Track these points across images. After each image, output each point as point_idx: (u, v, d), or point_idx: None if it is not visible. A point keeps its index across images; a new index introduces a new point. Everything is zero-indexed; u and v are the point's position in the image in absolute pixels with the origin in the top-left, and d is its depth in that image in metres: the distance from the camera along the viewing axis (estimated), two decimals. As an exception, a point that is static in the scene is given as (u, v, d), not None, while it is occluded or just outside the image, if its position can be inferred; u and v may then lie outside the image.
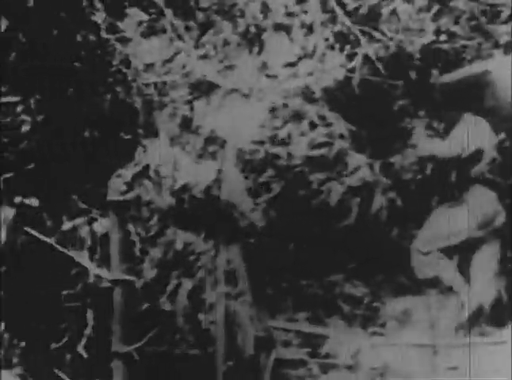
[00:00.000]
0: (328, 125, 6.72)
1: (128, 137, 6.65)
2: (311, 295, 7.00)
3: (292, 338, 6.86)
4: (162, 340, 6.59)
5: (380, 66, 6.74)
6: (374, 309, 6.99)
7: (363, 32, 6.67)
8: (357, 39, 6.68)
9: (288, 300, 6.92)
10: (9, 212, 6.71)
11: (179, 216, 6.56)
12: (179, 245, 6.54)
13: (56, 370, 6.64)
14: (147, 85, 6.71)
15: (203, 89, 6.67)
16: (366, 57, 6.75)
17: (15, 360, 6.65)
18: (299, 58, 6.69)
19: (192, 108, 6.67)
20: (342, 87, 6.76)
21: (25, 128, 6.93)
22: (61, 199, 6.78)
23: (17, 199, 6.74)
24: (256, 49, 6.68)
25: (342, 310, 6.97)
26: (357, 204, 6.77)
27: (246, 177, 6.60)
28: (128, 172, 6.55)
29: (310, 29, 6.70)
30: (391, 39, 6.76)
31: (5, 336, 6.67)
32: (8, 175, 6.82)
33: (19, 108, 7.05)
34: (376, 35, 6.73)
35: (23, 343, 6.68)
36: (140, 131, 6.66)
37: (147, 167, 6.57)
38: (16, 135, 7.00)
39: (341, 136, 6.74)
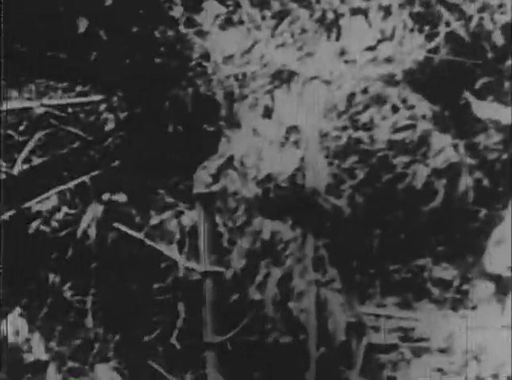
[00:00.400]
0: (410, 107, 6.66)
1: (212, 129, 6.69)
2: (400, 280, 6.96)
3: (382, 323, 6.83)
4: (254, 329, 6.62)
5: (460, 45, 6.65)
6: (464, 291, 6.91)
7: (443, 11, 6.60)
8: (436, 19, 6.61)
9: (376, 285, 6.89)
10: (97, 209, 6.82)
11: (265, 205, 6.59)
12: (266, 235, 6.57)
13: (150, 362, 6.73)
14: (227, 77, 6.74)
15: (283, 77, 6.67)
16: (446, 36, 6.67)
17: (110, 354, 6.75)
18: (379, 42, 6.64)
19: (273, 98, 6.68)
20: (423, 68, 6.70)
21: (109, 126, 7.03)
22: (148, 194, 6.86)
23: (105, 196, 6.84)
24: (334, 35, 6.66)
25: (432, 294, 6.91)
26: (443, 186, 6.70)
27: (329, 164, 6.59)
28: (212, 164, 6.60)
29: (388, 12, 6.65)
30: (470, 17, 6.68)
31: (100, 330, 6.79)
32: (95, 173, 6.93)
33: (102, 107, 7.15)
34: (456, 13, 6.65)
35: (117, 337, 6.78)
36: (223, 122, 6.70)
37: (231, 158, 6.61)
38: (100, 133, 7.10)
39: (424, 117, 6.68)
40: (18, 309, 6.94)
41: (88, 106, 7.39)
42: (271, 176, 6.57)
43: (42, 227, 7.10)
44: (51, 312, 7.00)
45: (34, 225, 7.10)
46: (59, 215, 7.02)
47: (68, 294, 7.01)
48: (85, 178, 6.85)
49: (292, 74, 6.68)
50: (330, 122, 6.64)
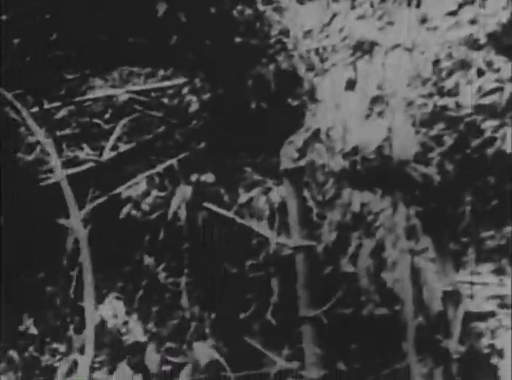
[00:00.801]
0: (496, 70, 6.56)
1: (296, 104, 6.70)
2: (494, 247, 6.87)
3: (478, 291, 6.75)
4: (348, 301, 6.61)
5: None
6: (559, 255, 6.79)
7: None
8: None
9: (469, 253, 6.81)
10: (187, 190, 6.89)
11: (353, 177, 6.56)
12: (356, 206, 6.55)
13: (247, 339, 6.77)
14: (307, 51, 6.73)
15: (364, 48, 6.63)
16: (530, -4, 6.55)
17: (207, 332, 6.82)
18: (460, 6, 6.55)
19: (355, 69, 6.64)
20: (507, 30, 6.58)
21: (193, 108, 7.09)
22: (235, 173, 6.90)
23: (194, 177, 6.91)
24: (414, 2, 6.58)
25: (527, 259, 6.81)
26: (533, 148, 6.59)
27: (416, 132, 6.53)
28: (299, 139, 6.60)
29: (468, -25, 6.57)
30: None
31: (195, 309, 6.86)
32: (182, 155, 7.00)
33: (185, 90, 7.21)
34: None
35: (213, 316, 6.85)
36: (306, 97, 6.69)
37: (317, 131, 6.60)
38: (184, 116, 7.16)
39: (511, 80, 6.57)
40: (115, 293, 7.06)
41: (171, 90, 7.46)
42: (358, 148, 6.54)
43: (133, 212, 7.19)
44: (147, 294, 7.10)
45: (125, 210, 7.21)
46: (149, 199, 7.11)
47: (162, 275, 7.10)
48: (173, 161, 6.92)
49: (373, 45, 6.63)
50: (414, 90, 6.57)
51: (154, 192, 7.08)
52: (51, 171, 7.26)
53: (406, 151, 6.49)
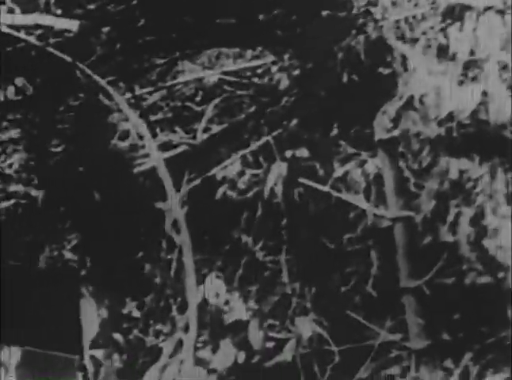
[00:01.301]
0: None
1: (387, 72, 6.64)
2: None
3: None
4: (450, 271, 6.54)
5: None
6: None
7: None
8: None
9: None
10: (282, 167, 6.91)
11: (450, 144, 6.48)
12: (454, 174, 6.47)
13: (349, 312, 6.77)
14: (396, 21, 6.66)
15: (454, 14, 6.53)
16: None
17: (308, 306, 6.84)
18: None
19: (446, 36, 6.55)
20: None
21: (283, 85, 7.10)
22: (330, 147, 6.89)
23: (288, 153, 6.92)
24: (504, -38, 6.46)
25: None
26: None
27: (512, 95, 6.41)
28: (392, 108, 6.54)
29: None
30: None
31: (296, 285, 6.89)
32: (275, 132, 7.02)
33: (274, 68, 7.22)
34: None
35: (314, 290, 6.86)
36: (397, 65, 6.63)
37: (411, 99, 6.54)
38: (275, 94, 7.18)
39: None
40: (215, 272, 7.12)
41: (260, 69, 7.48)
42: (453, 114, 6.45)
43: (229, 192, 7.24)
44: (247, 272, 7.15)
45: (221, 190, 7.26)
46: (245, 178, 7.15)
47: (261, 254, 7.14)
48: (269, 138, 6.94)
49: (463, 9, 6.52)
50: (508, 53, 6.45)
51: (249, 171, 7.11)
52: (146, 156, 7.36)
53: (502, 115, 6.38)
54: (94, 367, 7.37)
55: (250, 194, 7.14)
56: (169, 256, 7.22)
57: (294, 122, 7.05)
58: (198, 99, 7.84)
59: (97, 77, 6.81)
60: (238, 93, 7.56)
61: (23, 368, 7.15)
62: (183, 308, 7.03)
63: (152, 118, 7.73)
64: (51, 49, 6.74)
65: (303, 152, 6.92)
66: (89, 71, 6.81)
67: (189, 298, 6.59)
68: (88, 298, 7.31)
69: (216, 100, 7.58)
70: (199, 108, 7.82)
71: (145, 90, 7.81)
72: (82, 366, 7.37)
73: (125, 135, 7.95)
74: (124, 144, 7.88)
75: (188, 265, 6.63)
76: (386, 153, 6.69)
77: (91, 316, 7.35)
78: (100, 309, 7.48)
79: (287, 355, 6.90)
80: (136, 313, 7.90)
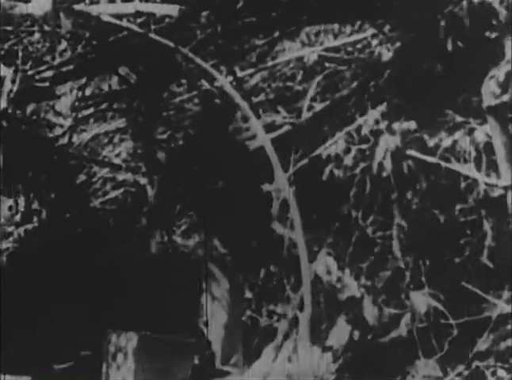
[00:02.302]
0: None
1: (493, 36, 6.49)
2: None
3: None
4: None
5: None
6: None
7: None
8: None
9: None
10: (390, 140, 6.83)
11: None
12: None
13: (464, 284, 6.66)
14: None
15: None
16: None
17: (423, 280, 6.75)
18: None
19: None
20: None
21: (386, 57, 7.01)
22: (437, 117, 6.78)
23: (396, 126, 6.84)
24: None
25: None
26: None
27: None
28: (500, 72, 6.38)
29: None
30: None
31: (409, 259, 6.81)
32: (380, 106, 6.94)
33: (375, 42, 7.15)
34: None
35: (428, 263, 6.77)
36: (504, 28, 6.47)
37: (520, 61, 6.37)
38: (377, 67, 7.10)
39: None
40: (326, 250, 7.10)
41: (360, 43, 7.41)
42: None
43: (335, 171, 7.20)
44: (357, 248, 7.10)
45: (327, 170, 7.22)
46: (351, 154, 7.09)
47: (371, 229, 7.08)
48: (374, 112, 6.87)
49: None
50: None
51: (355, 147, 7.05)
52: (253, 137, 7.38)
53: None
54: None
55: (357, 170, 7.08)
56: (280, 235, 7.21)
57: (398, 94, 6.96)
58: (299, 78, 7.81)
59: (200, 61, 6.84)
60: (340, 68, 7.51)
61: (140, 353, 7.26)
62: (296, 286, 7.03)
63: (254, 99, 7.73)
64: (153, 35, 6.80)
65: (411, 124, 6.82)
66: (192, 55, 6.85)
67: (304, 275, 6.57)
68: (216, 279, 7.39)
69: (318, 78, 7.53)
70: (300, 87, 7.79)
71: (246, 72, 7.83)
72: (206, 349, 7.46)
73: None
74: (229, 127, 7.92)
75: (299, 242, 6.62)
76: (495, 119, 6.53)
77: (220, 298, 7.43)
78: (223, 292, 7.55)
79: (403, 330, 6.82)
80: (248, 295, 7.94)
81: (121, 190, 8.01)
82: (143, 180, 7.95)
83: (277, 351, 6.96)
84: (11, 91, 6.80)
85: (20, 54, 7.05)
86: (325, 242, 7.08)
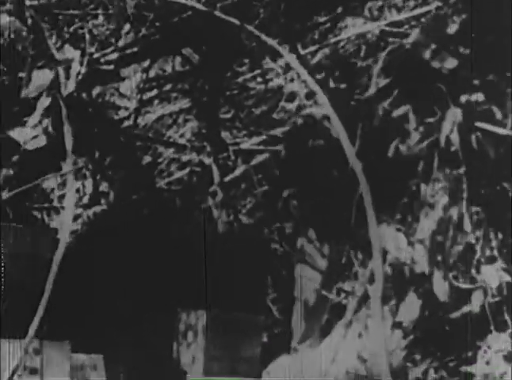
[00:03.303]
0: None
1: None
2: None
3: None
4: None
5: None
6: None
7: None
8: None
9: None
10: (457, 113, 6.77)
11: None
12: None
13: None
14: None
15: None
16: None
17: (495, 253, 6.70)
18: None
19: None
20: None
21: (453, 29, 6.93)
22: (505, 88, 6.70)
23: (463, 98, 6.77)
24: None
25: None
26: None
27: None
28: None
29: None
30: None
31: (480, 233, 6.75)
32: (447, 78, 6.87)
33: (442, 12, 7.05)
34: None
35: (500, 236, 6.71)
36: None
37: None
38: (443, 40, 7.02)
39: None
40: (395, 225, 7.07)
41: (424, 17, 7.34)
42: None
43: (400, 146, 7.16)
44: (425, 223, 7.06)
45: (393, 144, 7.18)
46: (419, 129, 7.04)
47: (439, 205, 7.03)
48: (440, 85, 6.81)
49: None
50: None
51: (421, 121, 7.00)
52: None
53: None
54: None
55: (424, 144, 7.03)
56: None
57: (466, 65, 6.88)
58: (362, 54, 7.76)
59: (266, 38, 6.83)
60: (404, 42, 7.44)
61: (210, 331, 7.31)
62: (365, 262, 7.01)
63: (318, 76, 7.70)
64: (218, 13, 6.81)
65: (479, 96, 6.74)
66: (257, 33, 6.84)
67: (374, 250, 6.56)
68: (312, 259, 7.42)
69: (383, 53, 7.48)
70: (363, 63, 7.74)
71: (309, 50, 7.79)
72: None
73: (292, 97, 7.97)
74: (292, 105, 7.90)
75: (370, 217, 6.60)
76: None
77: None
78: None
79: (474, 305, 6.77)
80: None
81: (186, 170, 8.04)
82: (207, 160, 7.97)
83: (347, 327, 6.96)
84: (79, 73, 6.86)
85: (86, 37, 7.10)
86: (393, 218, 7.05)
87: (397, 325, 6.88)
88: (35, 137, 6.90)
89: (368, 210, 6.51)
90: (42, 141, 6.90)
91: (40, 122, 6.95)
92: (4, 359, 6.78)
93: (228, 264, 7.62)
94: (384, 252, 6.90)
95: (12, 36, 6.91)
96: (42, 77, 6.74)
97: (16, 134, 6.89)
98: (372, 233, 6.53)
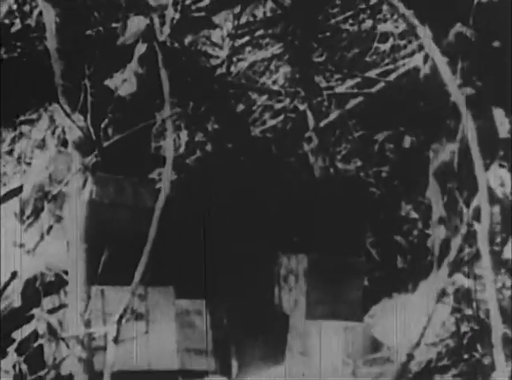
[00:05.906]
0: None
1: None
2: None
3: None
4: None
5: None
6: None
7: None
8: None
9: None
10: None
11: None
12: None
13: None
14: None
15: None
16: None
17: None
18: None
19: None
20: None
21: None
22: None
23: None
24: None
25: None
26: None
27: None
28: None
29: None
30: None
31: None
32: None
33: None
34: None
35: None
36: None
37: None
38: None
39: None
40: (498, 161, 6.95)
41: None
42: None
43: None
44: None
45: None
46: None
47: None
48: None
49: None
50: None
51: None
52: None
53: None
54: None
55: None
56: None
57: None
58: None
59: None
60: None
61: (311, 274, 7.29)
62: (469, 200, 6.90)
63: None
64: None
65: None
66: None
67: (480, 186, 6.44)
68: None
69: None
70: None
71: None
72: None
73: (385, 38, 7.86)
74: (386, 45, 7.79)
75: (474, 153, 6.48)
76: None
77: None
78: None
79: None
80: (414, 215, 7.86)
81: (281, 117, 8.00)
82: (302, 106, 7.93)
83: (452, 266, 6.87)
84: (173, 19, 6.84)
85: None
86: (496, 156, 6.91)
87: (503, 263, 6.78)
88: (125, 81, 6.90)
89: (473, 143, 6.38)
90: (133, 85, 6.90)
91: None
92: (111, 305, 6.86)
93: (325, 208, 7.59)
94: (489, 189, 6.76)
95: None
96: (137, 23, 6.74)
97: (111, 82, 6.92)
98: (476, 169, 6.40)
